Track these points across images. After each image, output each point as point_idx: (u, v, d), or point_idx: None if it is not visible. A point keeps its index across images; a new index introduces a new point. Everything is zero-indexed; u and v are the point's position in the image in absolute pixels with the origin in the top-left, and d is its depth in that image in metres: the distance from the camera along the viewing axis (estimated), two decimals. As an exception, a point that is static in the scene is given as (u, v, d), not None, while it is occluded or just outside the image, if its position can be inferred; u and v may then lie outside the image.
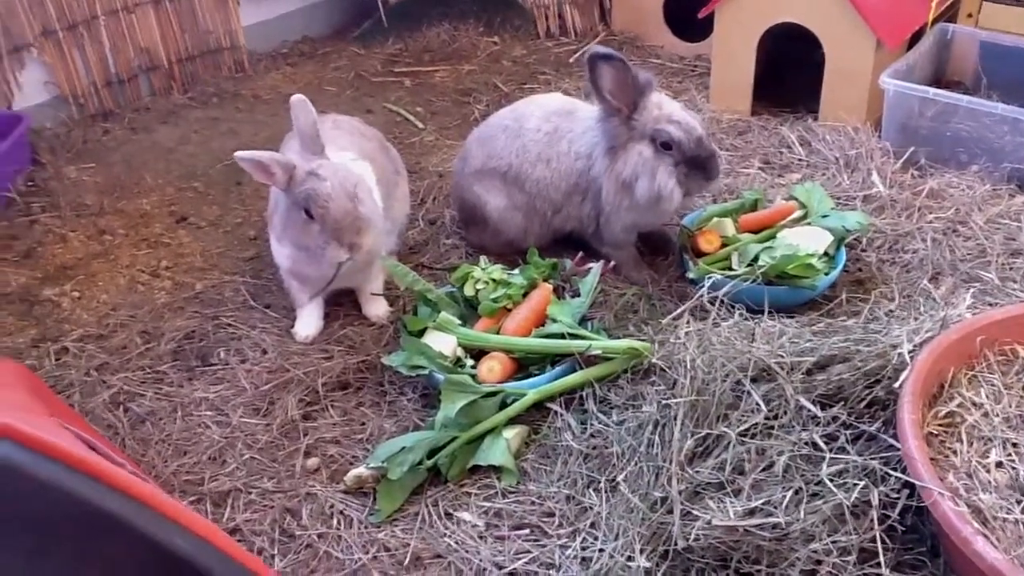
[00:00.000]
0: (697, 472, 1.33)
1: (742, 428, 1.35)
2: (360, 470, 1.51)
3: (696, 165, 1.79)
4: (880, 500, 1.24)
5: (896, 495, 1.24)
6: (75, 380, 1.74)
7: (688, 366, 1.45)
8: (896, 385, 1.34)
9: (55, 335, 1.87)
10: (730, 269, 1.86)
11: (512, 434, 1.55)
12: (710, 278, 1.70)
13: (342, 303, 1.93)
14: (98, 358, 1.81)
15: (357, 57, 3.15)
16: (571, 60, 3.05)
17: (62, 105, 2.65)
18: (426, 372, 1.63)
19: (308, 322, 1.86)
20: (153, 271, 2.08)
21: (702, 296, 1.62)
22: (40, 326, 1.90)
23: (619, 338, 1.67)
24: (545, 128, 1.93)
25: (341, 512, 1.47)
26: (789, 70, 2.64)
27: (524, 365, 1.68)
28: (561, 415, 1.57)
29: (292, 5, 3.15)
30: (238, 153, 1.62)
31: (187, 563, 1.00)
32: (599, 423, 1.53)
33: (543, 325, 1.71)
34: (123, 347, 1.84)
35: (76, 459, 0.97)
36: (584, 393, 1.59)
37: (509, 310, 1.76)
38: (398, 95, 2.88)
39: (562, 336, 1.65)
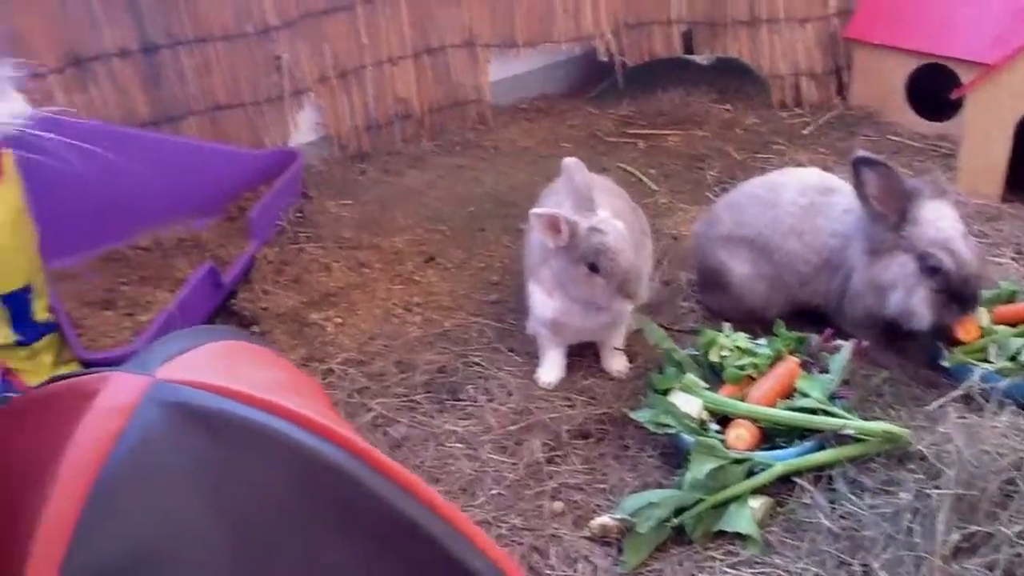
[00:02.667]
0: (965, 569, 1.29)
1: (1017, 529, 1.31)
2: (605, 519, 1.56)
3: (957, 298, 1.76)
4: None
5: None
6: (341, 400, 1.89)
7: (954, 457, 1.43)
8: None
9: (321, 356, 2.04)
10: (986, 361, 1.81)
11: (758, 504, 1.56)
12: (973, 368, 1.66)
13: (584, 355, 2.00)
14: (359, 382, 1.96)
15: (592, 116, 3.26)
16: (805, 132, 3.05)
17: (326, 145, 2.89)
18: (673, 431, 1.67)
19: (552, 369, 1.94)
20: (406, 306, 2.23)
21: (969, 386, 1.59)
22: (309, 346, 2.07)
23: (866, 420, 1.65)
24: (801, 202, 1.95)
25: (586, 557, 1.52)
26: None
27: (769, 436, 1.69)
28: (810, 492, 1.56)
29: (534, 64, 3.31)
30: (535, 211, 1.73)
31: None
32: (850, 504, 1.51)
33: (788, 398, 1.72)
34: (381, 374, 1.99)
35: (382, 463, 1.07)
36: (834, 472, 1.58)
37: (753, 379, 1.78)
38: (631, 156, 2.97)
39: (812, 411, 1.65)
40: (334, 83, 2.81)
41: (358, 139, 2.94)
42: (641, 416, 1.71)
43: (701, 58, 3.35)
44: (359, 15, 2.78)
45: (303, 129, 2.81)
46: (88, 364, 1.86)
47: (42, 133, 0.69)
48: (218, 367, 1.14)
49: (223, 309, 2.21)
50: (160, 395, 1.03)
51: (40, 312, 1.83)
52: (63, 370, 1.85)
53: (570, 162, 1.78)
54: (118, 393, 1.02)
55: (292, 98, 2.72)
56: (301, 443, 1.06)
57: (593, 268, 1.72)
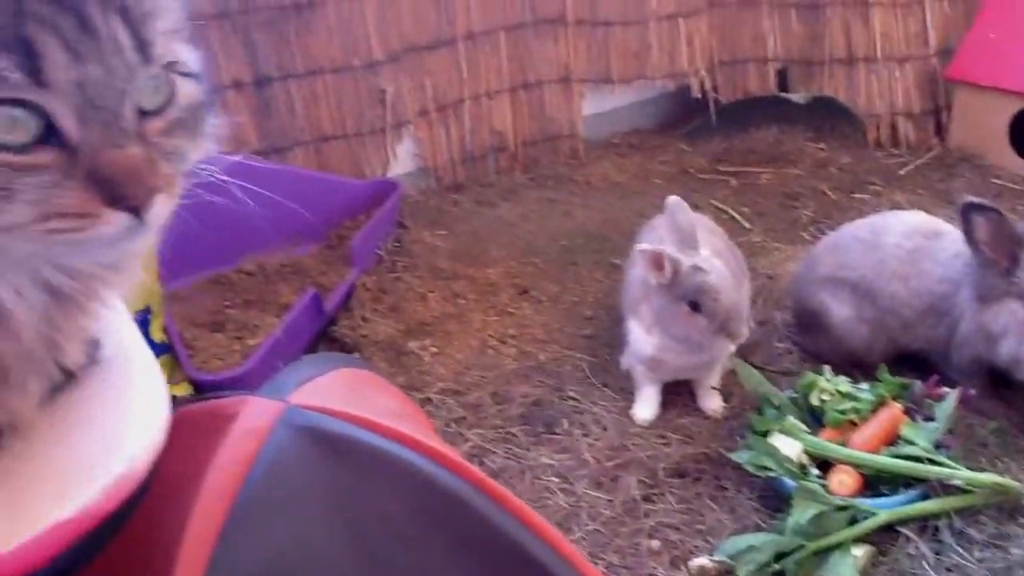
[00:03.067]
0: (1084, 631, 1.26)
1: None
2: (704, 560, 1.56)
3: None
4: None
5: None
6: (439, 429, 1.93)
7: (1072, 515, 1.39)
8: None
9: (419, 385, 2.08)
10: (1100, 415, 1.76)
11: (861, 552, 1.53)
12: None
13: (679, 392, 2.00)
14: (456, 412, 1.99)
15: (683, 153, 3.27)
16: (902, 172, 3.01)
17: (423, 176, 2.96)
18: (773, 474, 1.66)
19: (647, 406, 1.95)
20: (501, 337, 2.27)
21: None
22: (407, 375, 2.12)
23: (973, 470, 1.62)
24: (907, 245, 1.93)
25: (684, 598, 1.53)
26: None
27: (871, 483, 1.67)
28: (914, 542, 1.54)
29: (626, 99, 3.34)
30: (641, 246, 1.75)
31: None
32: (957, 556, 1.49)
33: (891, 445, 1.70)
34: (477, 404, 2.02)
35: (495, 490, 1.09)
36: (940, 523, 1.55)
37: (855, 424, 1.76)
38: (724, 193, 2.97)
39: (917, 459, 1.62)
40: (433, 116, 2.88)
41: (453, 171, 3.00)
42: (741, 457, 1.70)
43: (796, 96, 3.34)
44: (460, 50, 2.85)
45: (401, 160, 2.88)
46: (199, 385, 1.93)
47: (227, 178, 0.74)
48: (343, 394, 1.18)
49: (324, 335, 2.27)
50: (293, 420, 1.07)
51: (156, 333, 1.92)
52: (174, 391, 1.93)
53: (673, 201, 1.80)
54: (255, 416, 1.06)
55: (393, 130, 2.79)
56: (420, 469, 1.09)
57: (694, 307, 1.73)
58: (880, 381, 1.82)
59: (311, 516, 1.04)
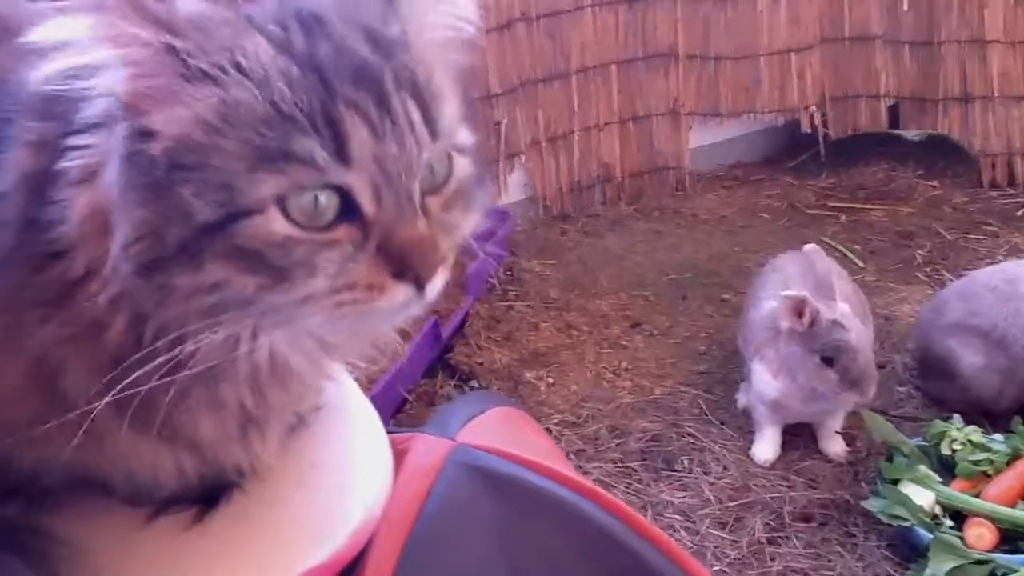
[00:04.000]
0: None
1: None
2: (836, 608, 1.55)
3: None
4: None
5: None
6: (560, 461, 1.95)
7: None
8: None
9: (537, 415, 2.10)
10: None
11: (1000, 609, 1.51)
12: None
13: (799, 433, 1.99)
14: (575, 444, 2.01)
15: (790, 187, 3.25)
16: (1019, 213, 2.94)
17: (531, 205, 3.01)
18: (907, 524, 1.63)
19: (768, 447, 1.94)
20: (615, 370, 2.28)
21: None
22: (525, 405, 2.15)
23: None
24: (1044, 296, 1.89)
25: (817, 646, 1.52)
26: None
27: (1007, 537, 1.63)
28: (1058, 601, 1.50)
29: (733, 132, 3.33)
30: (786, 293, 1.75)
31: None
32: (1104, 619, 1.45)
33: (1027, 498, 1.67)
34: (595, 438, 2.04)
35: (646, 527, 1.11)
36: (1084, 583, 1.51)
37: (988, 475, 1.73)
38: (833, 230, 2.94)
39: (1059, 516, 1.59)
40: (543, 147, 2.93)
41: (561, 201, 3.04)
42: (873, 506, 1.68)
43: (908, 133, 3.29)
44: (573, 84, 2.89)
45: (512, 190, 2.93)
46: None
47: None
48: (503, 433, 1.21)
49: (440, 362, 2.32)
50: (461, 458, 1.10)
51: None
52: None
53: (811, 248, 1.80)
54: (426, 453, 1.10)
55: (506, 160, 2.84)
56: (576, 506, 1.12)
57: (828, 361, 1.73)
58: (1014, 432, 1.78)
59: (477, 550, 1.08)
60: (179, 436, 0.65)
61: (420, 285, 0.59)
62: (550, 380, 2.25)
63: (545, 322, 2.48)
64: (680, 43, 3.03)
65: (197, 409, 0.64)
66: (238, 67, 0.54)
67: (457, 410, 1.20)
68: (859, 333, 1.72)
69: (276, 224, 0.54)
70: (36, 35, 0.53)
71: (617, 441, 2.02)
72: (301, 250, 0.55)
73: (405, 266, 0.58)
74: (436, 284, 0.60)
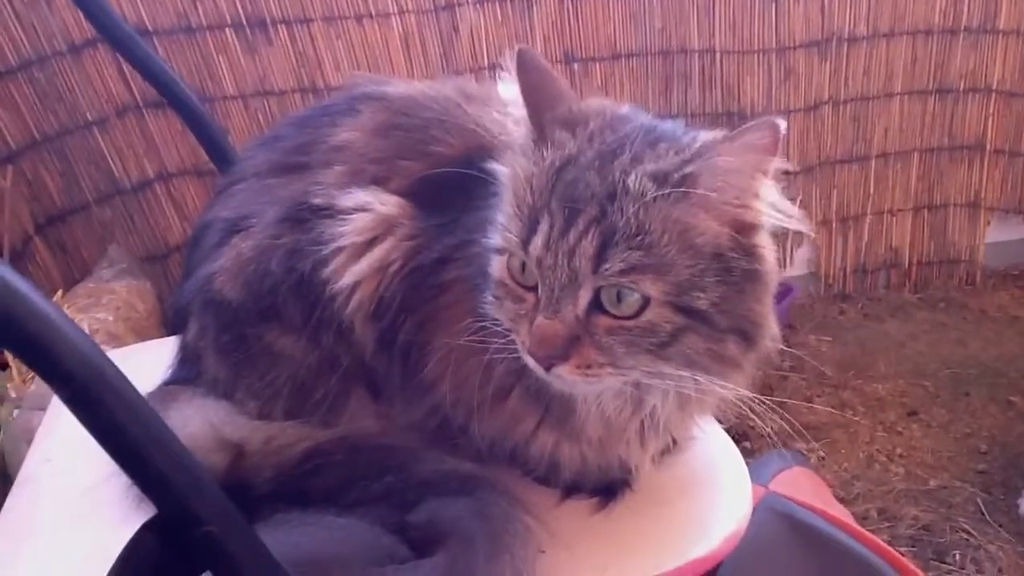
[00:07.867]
0: None
1: None
2: None
3: None
4: None
5: None
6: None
7: None
8: None
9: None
10: None
11: None
12: None
13: (1087, 551, 1.94)
14: (844, 519, 2.07)
15: (1095, 295, 3.10)
16: None
17: (812, 280, 3.06)
18: None
19: (1051, 558, 1.91)
20: (888, 455, 2.31)
21: None
22: (795, 473, 2.23)
23: None
24: None
25: None
26: None
27: None
28: None
29: (1033, 231, 3.22)
30: None
31: None
32: None
33: None
34: (864, 517, 2.08)
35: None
36: None
37: None
38: None
39: None
40: (834, 226, 2.99)
41: (844, 280, 3.07)
42: None
43: None
44: (872, 167, 2.93)
45: (796, 263, 3.01)
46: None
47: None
48: (807, 488, 1.33)
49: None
50: (773, 505, 1.24)
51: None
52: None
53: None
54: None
55: (794, 236, 2.93)
56: (871, 563, 1.23)
57: None
58: None
59: (777, 589, 1.20)
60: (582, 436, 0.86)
61: (544, 366, 0.76)
62: (821, 454, 2.31)
63: (819, 396, 2.54)
64: (989, 137, 2.99)
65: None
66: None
67: (770, 462, 1.34)
68: None
69: (499, 268, 0.80)
70: None
71: (887, 524, 2.05)
72: (502, 291, 0.80)
73: (532, 344, 0.76)
74: (561, 374, 0.76)
